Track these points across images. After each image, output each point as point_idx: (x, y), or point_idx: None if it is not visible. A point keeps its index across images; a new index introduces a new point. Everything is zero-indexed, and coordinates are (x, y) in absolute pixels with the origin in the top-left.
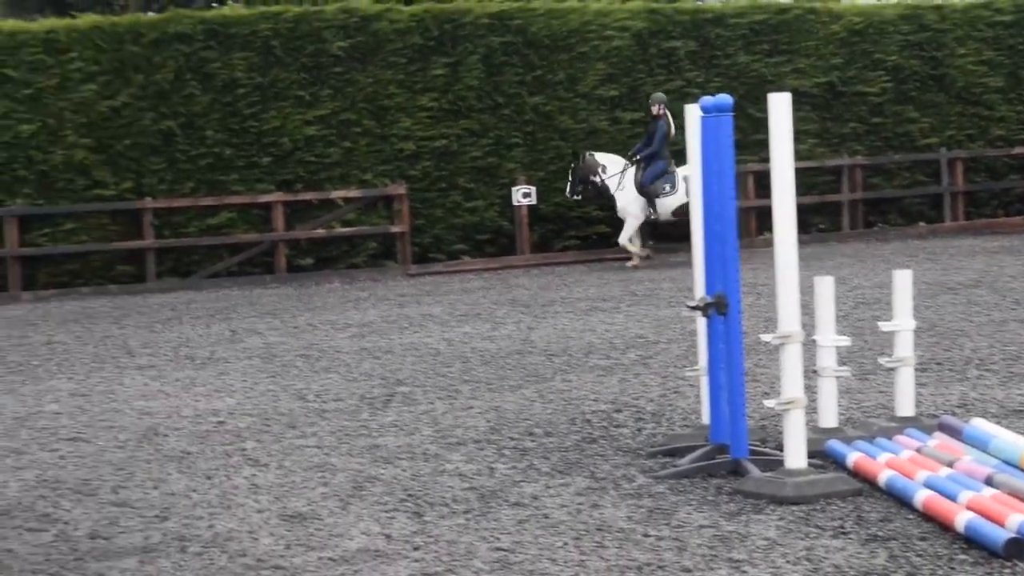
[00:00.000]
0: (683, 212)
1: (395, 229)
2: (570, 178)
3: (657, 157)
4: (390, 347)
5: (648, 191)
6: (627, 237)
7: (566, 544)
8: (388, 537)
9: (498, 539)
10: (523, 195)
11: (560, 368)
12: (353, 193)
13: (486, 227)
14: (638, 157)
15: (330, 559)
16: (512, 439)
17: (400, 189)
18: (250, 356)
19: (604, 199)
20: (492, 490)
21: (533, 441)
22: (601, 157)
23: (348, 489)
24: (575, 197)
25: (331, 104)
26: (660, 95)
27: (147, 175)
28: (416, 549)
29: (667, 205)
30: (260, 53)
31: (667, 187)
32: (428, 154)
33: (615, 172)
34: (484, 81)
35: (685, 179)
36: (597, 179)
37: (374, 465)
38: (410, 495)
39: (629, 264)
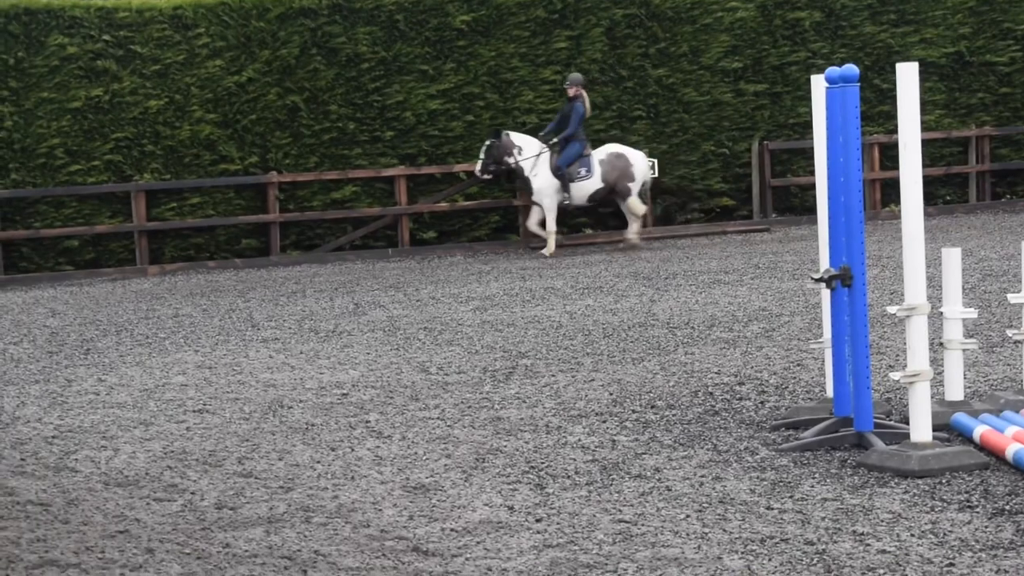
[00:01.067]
0: (598, 198)
1: (518, 202)
2: (483, 156)
3: (573, 140)
4: (512, 320)
5: (564, 175)
6: (553, 224)
7: (688, 516)
8: (510, 509)
9: (620, 511)
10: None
11: (682, 341)
12: (476, 167)
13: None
14: (555, 140)
15: (453, 530)
16: (634, 411)
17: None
18: (373, 329)
19: (519, 181)
20: (614, 462)
21: (655, 414)
22: (517, 138)
23: (471, 461)
24: (485, 176)
25: (454, 78)
26: (577, 75)
27: (272, 150)
28: (538, 521)
29: (583, 190)
30: (384, 27)
31: (583, 171)
32: None
33: (530, 155)
34: (607, 54)
35: (601, 163)
36: (511, 160)
37: (496, 437)
38: (532, 467)
39: (545, 252)
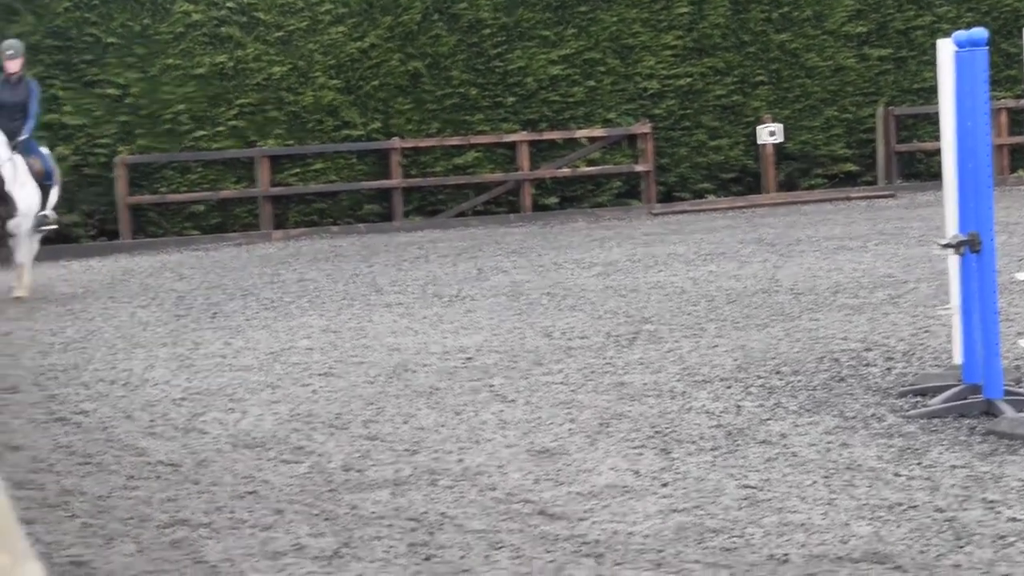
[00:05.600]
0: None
1: (640, 168)
2: None
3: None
4: (635, 285)
5: (52, 184)
6: (33, 254)
7: (815, 483)
8: (636, 473)
9: (746, 476)
10: (769, 133)
11: (807, 307)
12: (598, 132)
13: (731, 166)
14: (25, 136)
15: (579, 494)
16: (759, 377)
17: (645, 128)
18: (496, 294)
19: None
20: (739, 428)
21: (780, 379)
22: None
23: (595, 426)
24: None
25: (576, 43)
26: (16, 43)
27: (394, 115)
28: (664, 486)
29: (50, 201)
30: None
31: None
32: (672, 92)
33: (5, 158)
34: (729, 19)
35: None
36: None
37: (620, 402)
38: (657, 432)
39: (22, 293)
